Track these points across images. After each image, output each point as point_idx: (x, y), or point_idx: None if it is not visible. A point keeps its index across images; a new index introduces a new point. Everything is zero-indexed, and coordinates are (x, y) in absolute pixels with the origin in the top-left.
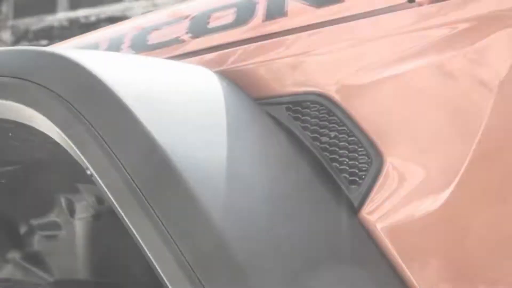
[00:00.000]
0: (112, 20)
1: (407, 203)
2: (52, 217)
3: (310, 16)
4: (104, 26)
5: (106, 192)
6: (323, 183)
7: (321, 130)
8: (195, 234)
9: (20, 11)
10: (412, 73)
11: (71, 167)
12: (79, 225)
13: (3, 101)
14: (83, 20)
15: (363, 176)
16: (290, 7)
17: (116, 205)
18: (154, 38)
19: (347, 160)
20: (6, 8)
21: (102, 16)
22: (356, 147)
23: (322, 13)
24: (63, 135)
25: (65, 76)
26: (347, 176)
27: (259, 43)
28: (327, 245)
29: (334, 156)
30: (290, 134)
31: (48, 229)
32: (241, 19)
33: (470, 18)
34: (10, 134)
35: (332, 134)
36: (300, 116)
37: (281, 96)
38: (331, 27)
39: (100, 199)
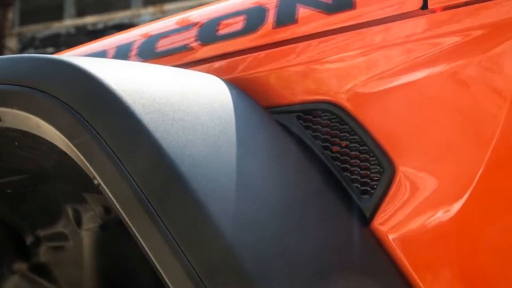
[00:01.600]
0: (120, 27)
1: (419, 213)
2: (59, 228)
3: (321, 23)
4: (111, 33)
5: (113, 202)
6: (334, 193)
7: (332, 139)
8: (203, 243)
9: (26, 18)
10: (425, 81)
11: (78, 176)
12: (87, 236)
13: (9, 110)
14: (90, 27)
15: (375, 186)
16: (301, 14)
17: (124, 215)
18: (162, 45)
19: (358, 169)
20: (12, 15)
21: (110, 23)
22: (367, 156)
23: (333, 20)
24: (70, 144)
25: (72, 84)
26: (359, 185)
27: (269, 50)
28: (338, 255)
29: (345, 165)
30: (300, 143)
31: (55, 240)
32: (251, 26)
33: (484, 25)
34: (16, 143)
35: (344, 143)
36: (310, 125)
37: (291, 105)
38: (342, 34)
39: (108, 209)
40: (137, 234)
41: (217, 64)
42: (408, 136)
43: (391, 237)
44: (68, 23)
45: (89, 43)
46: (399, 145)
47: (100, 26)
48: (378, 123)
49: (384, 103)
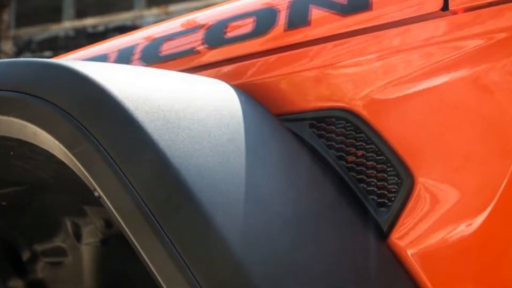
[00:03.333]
0: (122, 29)
1: (440, 227)
2: (57, 242)
3: (335, 25)
4: (113, 36)
5: (115, 215)
6: (349, 206)
7: (347, 149)
8: (211, 260)
9: (22, 20)
10: (446, 86)
11: (77, 188)
12: (86, 251)
13: (5, 117)
14: (90, 30)
15: (393, 198)
16: (314, 15)
17: (126, 229)
18: (167, 49)
19: (375, 180)
20: (8, 16)
21: (111, 25)
22: (385, 166)
23: (349, 22)
24: (69, 154)
25: (72, 90)
26: (375, 198)
27: (280, 54)
28: (353, 272)
29: (361, 176)
30: (313, 152)
31: (53, 255)
32: (261, 28)
33: (508, 27)
34: (12, 153)
35: (359, 152)
36: (324, 133)
37: (304, 112)
38: (358, 37)
39: (109, 223)
40: (140, 250)
41: (225, 69)
42: (428, 145)
43: (409, 252)
44: (67, 25)
45: (89, 46)
46: (418, 155)
47: (100, 28)
48: (396, 131)
49: (403, 110)
